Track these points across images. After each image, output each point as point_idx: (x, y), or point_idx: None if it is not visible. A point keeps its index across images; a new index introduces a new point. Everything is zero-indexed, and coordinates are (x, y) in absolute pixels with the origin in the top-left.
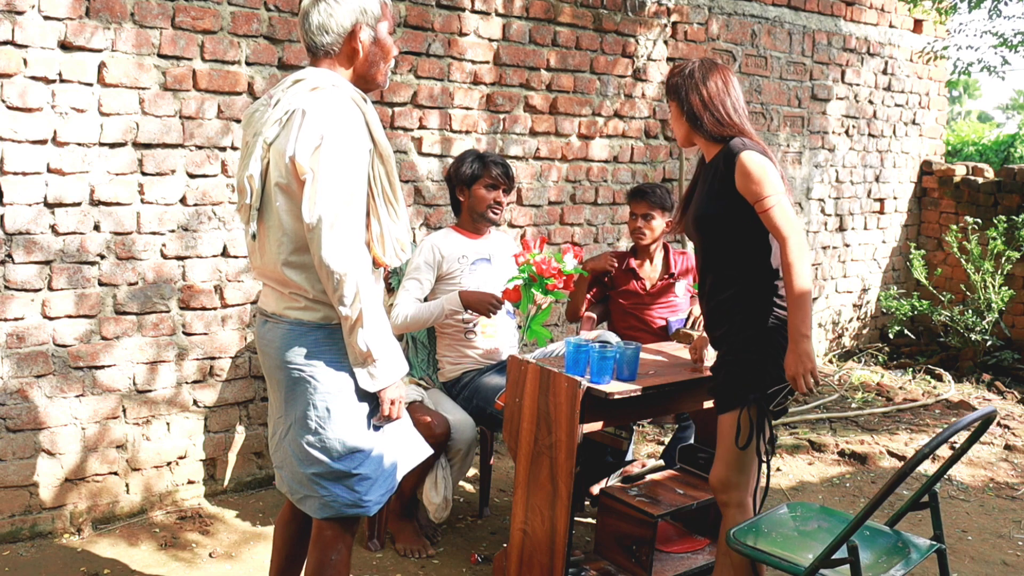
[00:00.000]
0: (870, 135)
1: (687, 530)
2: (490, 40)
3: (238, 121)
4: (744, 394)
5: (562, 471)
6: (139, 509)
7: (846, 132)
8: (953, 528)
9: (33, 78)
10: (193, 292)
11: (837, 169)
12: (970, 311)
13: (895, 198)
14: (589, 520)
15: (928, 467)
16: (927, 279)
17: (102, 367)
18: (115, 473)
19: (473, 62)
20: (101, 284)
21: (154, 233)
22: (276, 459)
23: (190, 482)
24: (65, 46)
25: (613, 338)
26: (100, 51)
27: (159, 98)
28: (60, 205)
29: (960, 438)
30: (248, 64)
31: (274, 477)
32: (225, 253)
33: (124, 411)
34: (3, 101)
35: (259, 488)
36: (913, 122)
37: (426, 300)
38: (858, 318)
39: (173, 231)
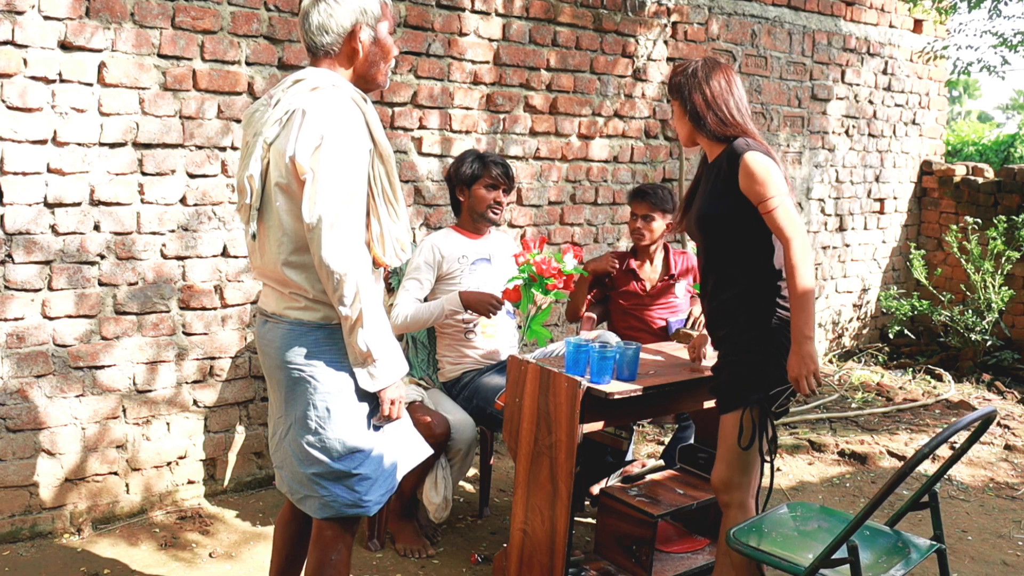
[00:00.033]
0: (870, 135)
1: (687, 530)
2: (490, 40)
3: (238, 121)
4: (747, 394)
5: (562, 471)
6: (139, 509)
7: (846, 132)
8: (953, 528)
9: (33, 78)
10: (193, 292)
11: (837, 169)
12: (970, 311)
13: (895, 198)
14: (589, 520)
15: (928, 467)
16: (927, 279)
17: (102, 367)
18: (115, 473)
19: (473, 62)
20: (101, 284)
21: (154, 233)
22: (276, 459)
23: (190, 482)
24: (65, 46)
25: (613, 338)
26: (100, 51)
27: (159, 98)
28: (60, 205)
29: (960, 438)
30: (248, 64)
31: (274, 477)
32: (225, 253)
33: (124, 411)
34: (3, 101)
35: (259, 488)
36: (913, 122)
37: (426, 300)
38: (858, 318)
39: (173, 231)
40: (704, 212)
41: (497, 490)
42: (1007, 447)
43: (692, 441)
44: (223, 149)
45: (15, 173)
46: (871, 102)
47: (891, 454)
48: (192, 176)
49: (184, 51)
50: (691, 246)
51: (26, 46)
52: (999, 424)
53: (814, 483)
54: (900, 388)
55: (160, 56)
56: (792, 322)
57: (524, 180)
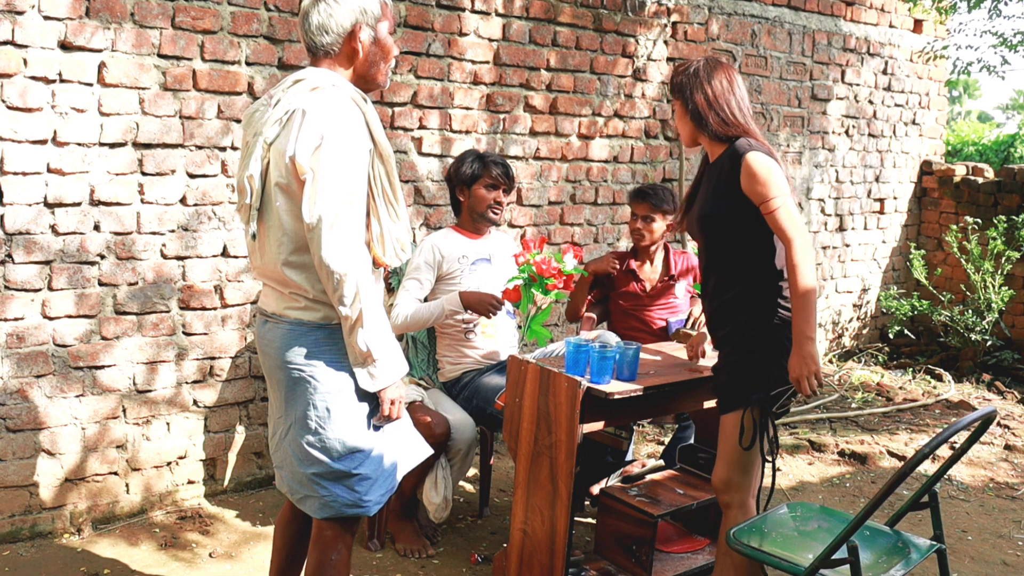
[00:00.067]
0: (870, 135)
1: (687, 530)
2: (490, 40)
3: (238, 121)
4: (748, 395)
5: (562, 471)
6: (139, 509)
7: (846, 132)
8: (953, 528)
9: (33, 78)
10: (193, 292)
11: (837, 169)
12: (970, 311)
13: (895, 198)
14: (589, 520)
15: (928, 467)
16: (927, 279)
17: (102, 367)
18: (115, 473)
19: (473, 62)
20: (101, 284)
21: (154, 233)
22: (276, 459)
23: (190, 482)
24: (65, 46)
25: (613, 338)
26: (100, 51)
27: (159, 98)
28: (60, 205)
29: (960, 438)
30: (248, 64)
31: (274, 477)
32: (225, 253)
33: (124, 411)
34: (3, 101)
35: (259, 488)
36: (913, 122)
37: (426, 300)
38: (858, 318)
39: (173, 231)
40: (706, 212)
41: (497, 490)
42: (1007, 447)
43: (692, 441)
44: (223, 149)
45: (15, 173)
46: (871, 102)
47: (891, 454)
48: (192, 176)
49: (184, 51)
50: (691, 246)
51: (26, 46)
52: (999, 424)
53: (814, 483)
54: (900, 388)
55: (160, 56)
56: (794, 323)
57: (524, 180)
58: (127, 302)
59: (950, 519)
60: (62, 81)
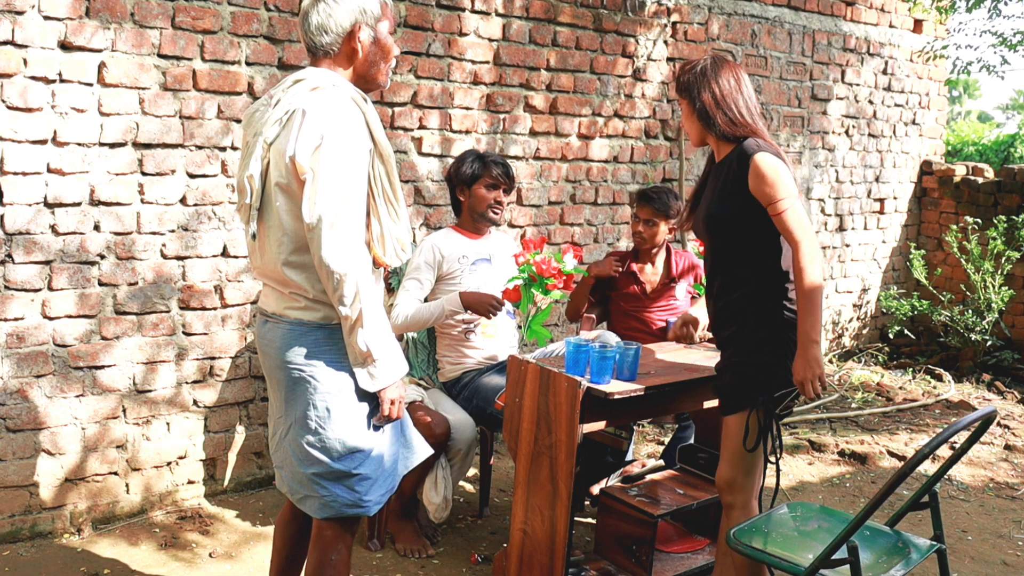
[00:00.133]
0: (870, 135)
1: (687, 530)
2: (490, 40)
3: (238, 121)
4: (754, 396)
5: (562, 471)
6: (139, 509)
7: (846, 132)
8: (953, 528)
9: (33, 78)
10: (193, 292)
11: (837, 169)
12: (970, 311)
13: (895, 198)
14: (589, 520)
15: (928, 467)
16: (927, 279)
17: (102, 367)
18: (115, 473)
19: (473, 62)
20: (101, 284)
21: (154, 233)
22: (276, 459)
23: (190, 482)
24: (65, 46)
25: (613, 338)
26: (100, 51)
27: (159, 98)
28: (60, 205)
29: (960, 438)
30: (248, 64)
31: (274, 477)
32: (225, 253)
33: (124, 411)
34: (3, 101)
35: (259, 488)
36: (913, 122)
37: (426, 300)
38: (858, 318)
39: (173, 231)
40: (712, 213)
41: (497, 490)
42: (1007, 447)
43: (692, 441)
44: (223, 149)
45: (15, 173)
46: (871, 102)
47: (891, 454)
48: (192, 176)
49: (184, 51)
50: (691, 245)
51: (26, 46)
52: (999, 424)
53: (814, 483)
54: (900, 388)
55: (160, 56)
56: (799, 325)
57: (524, 180)
58: (127, 302)
59: (950, 519)
60: (62, 81)
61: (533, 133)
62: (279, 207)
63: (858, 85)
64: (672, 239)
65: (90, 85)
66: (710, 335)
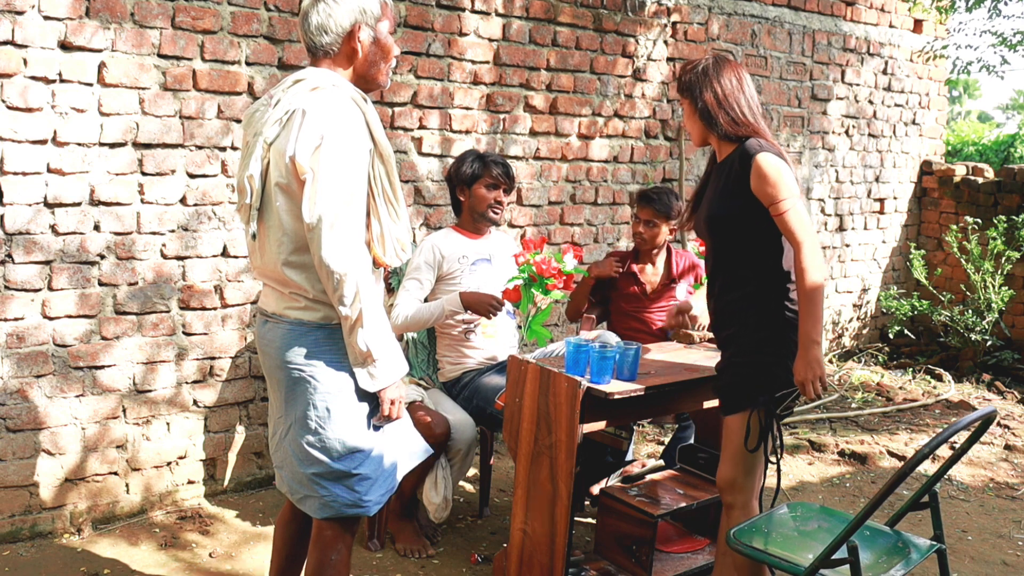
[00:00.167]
0: (870, 135)
1: (687, 530)
2: (490, 40)
3: (238, 121)
4: (754, 396)
5: (562, 471)
6: (139, 509)
7: (846, 132)
8: (953, 528)
9: (33, 78)
10: (193, 292)
11: (837, 169)
12: (970, 311)
13: (895, 198)
14: (589, 520)
15: (928, 467)
16: (927, 279)
17: (102, 367)
18: (115, 473)
19: (473, 62)
20: (101, 284)
21: (154, 233)
22: (276, 459)
23: (190, 482)
24: (65, 46)
25: (613, 338)
26: (100, 51)
27: (159, 98)
28: (60, 205)
29: (960, 438)
30: (248, 64)
31: (274, 477)
32: (225, 253)
33: (124, 411)
34: (3, 101)
35: (259, 488)
36: (913, 122)
37: (426, 300)
38: (858, 318)
39: (173, 231)
40: (713, 213)
41: (497, 490)
42: (1007, 447)
43: (692, 441)
44: (223, 149)
45: (15, 173)
46: (871, 102)
47: (891, 454)
48: (192, 176)
49: (184, 51)
50: (691, 245)
51: (26, 46)
52: (999, 424)
53: (814, 483)
54: (900, 388)
55: (160, 56)
56: (800, 325)
57: (524, 180)
58: (127, 302)
59: (950, 519)
60: (62, 81)
61: (533, 133)
62: (279, 207)
63: (858, 85)
64: (672, 239)
65: (90, 85)
66: (710, 335)
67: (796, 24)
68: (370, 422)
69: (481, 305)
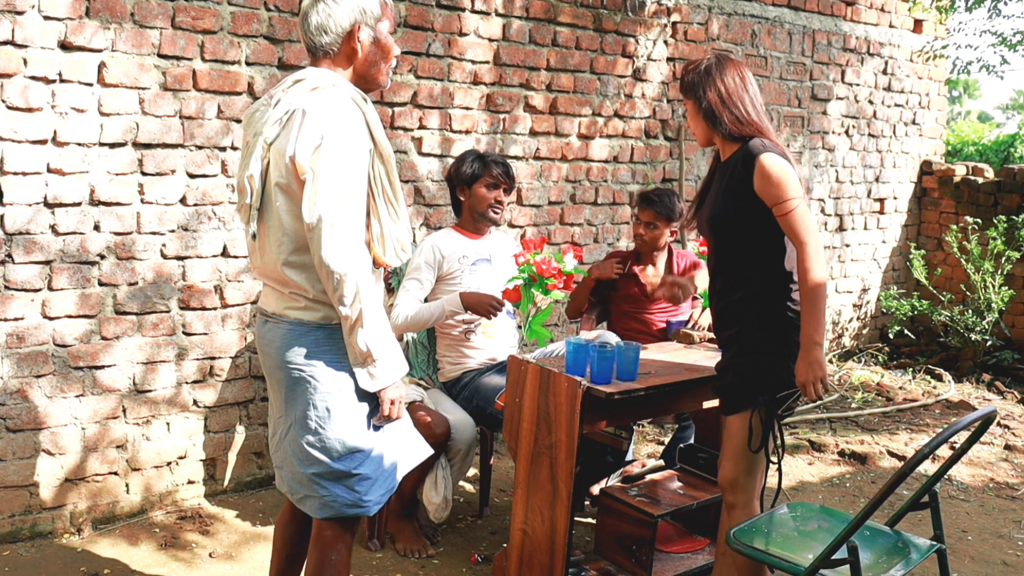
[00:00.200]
0: (870, 135)
1: (687, 530)
2: (490, 40)
3: (238, 121)
4: (754, 396)
5: (562, 471)
6: (139, 509)
7: (846, 132)
8: (953, 528)
9: (33, 78)
10: (193, 292)
11: (837, 169)
12: (970, 311)
13: (895, 198)
14: (589, 520)
15: (928, 467)
16: (927, 279)
17: (102, 367)
18: (115, 473)
19: (473, 62)
20: (101, 284)
21: (154, 233)
22: (276, 459)
23: (190, 482)
24: (65, 46)
25: (613, 338)
26: (100, 51)
27: (159, 98)
28: (60, 205)
29: (960, 438)
30: (248, 64)
31: (274, 477)
32: (225, 253)
33: (124, 411)
34: (3, 101)
35: (259, 488)
36: (913, 122)
37: (426, 300)
38: (858, 318)
39: (173, 231)
40: (716, 213)
41: (497, 490)
42: (1007, 447)
43: (692, 441)
44: (223, 149)
45: (15, 173)
46: (871, 102)
47: (891, 454)
48: (192, 176)
49: (184, 51)
50: (691, 245)
51: (26, 46)
52: (999, 424)
53: (814, 483)
54: (900, 388)
55: (160, 56)
56: (802, 327)
57: (524, 180)
58: (127, 302)
59: (950, 519)
60: (62, 81)
61: (533, 133)
62: (279, 207)
63: (858, 85)
64: (674, 240)
65: (90, 85)
66: (711, 335)
67: (796, 24)
68: (370, 422)
69: (481, 306)
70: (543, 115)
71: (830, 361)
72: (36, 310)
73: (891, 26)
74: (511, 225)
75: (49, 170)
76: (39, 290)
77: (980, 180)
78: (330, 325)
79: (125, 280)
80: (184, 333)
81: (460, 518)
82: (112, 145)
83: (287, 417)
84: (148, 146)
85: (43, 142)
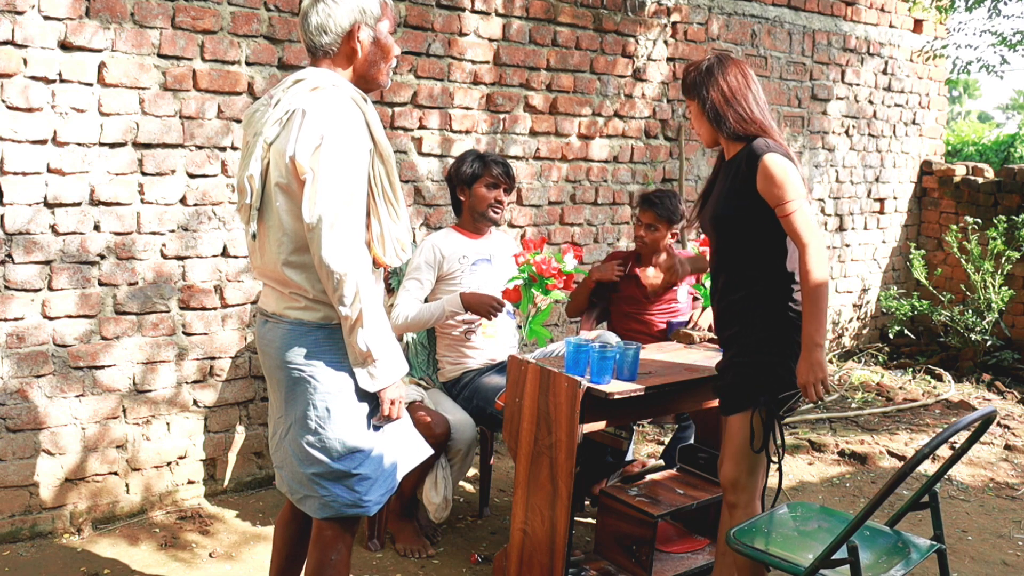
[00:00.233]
0: (870, 135)
1: (687, 530)
2: (490, 40)
3: (238, 121)
4: (755, 396)
5: (562, 471)
6: (139, 509)
7: (846, 132)
8: (953, 528)
9: (33, 78)
10: (193, 292)
11: (837, 169)
12: (970, 311)
13: (895, 198)
14: (589, 520)
15: (928, 467)
16: (927, 279)
17: (102, 367)
18: (115, 473)
19: (473, 62)
20: (101, 284)
21: (154, 233)
22: (276, 459)
23: (190, 482)
24: (65, 46)
25: (613, 338)
26: (100, 51)
27: (159, 98)
28: (60, 205)
29: (960, 438)
30: (248, 64)
31: (274, 477)
32: (225, 253)
33: (124, 411)
34: (3, 101)
35: (259, 488)
36: (913, 122)
37: (426, 301)
38: (858, 318)
39: (173, 231)
40: (719, 212)
41: (497, 490)
42: (1007, 447)
43: (692, 441)
44: (223, 149)
45: (15, 173)
46: (871, 102)
47: (891, 454)
48: (192, 176)
49: (184, 51)
50: (691, 245)
51: (26, 46)
52: (999, 424)
53: (814, 483)
54: (900, 388)
55: (160, 56)
56: (803, 328)
57: (524, 180)
58: (127, 302)
59: (950, 519)
60: (62, 81)
61: (533, 133)
62: (279, 207)
63: (858, 85)
64: (674, 241)
65: (90, 85)
66: (711, 336)
67: (796, 24)
68: (370, 422)
69: (482, 306)
70: (543, 115)
71: (830, 361)
72: (36, 310)
73: (891, 26)
74: (511, 225)
75: (49, 170)
76: (39, 290)
77: (980, 180)
78: (330, 325)
79: (125, 280)
80: (184, 333)
81: (460, 518)
82: (112, 145)
83: (287, 417)
84: (148, 146)
85: (43, 142)
